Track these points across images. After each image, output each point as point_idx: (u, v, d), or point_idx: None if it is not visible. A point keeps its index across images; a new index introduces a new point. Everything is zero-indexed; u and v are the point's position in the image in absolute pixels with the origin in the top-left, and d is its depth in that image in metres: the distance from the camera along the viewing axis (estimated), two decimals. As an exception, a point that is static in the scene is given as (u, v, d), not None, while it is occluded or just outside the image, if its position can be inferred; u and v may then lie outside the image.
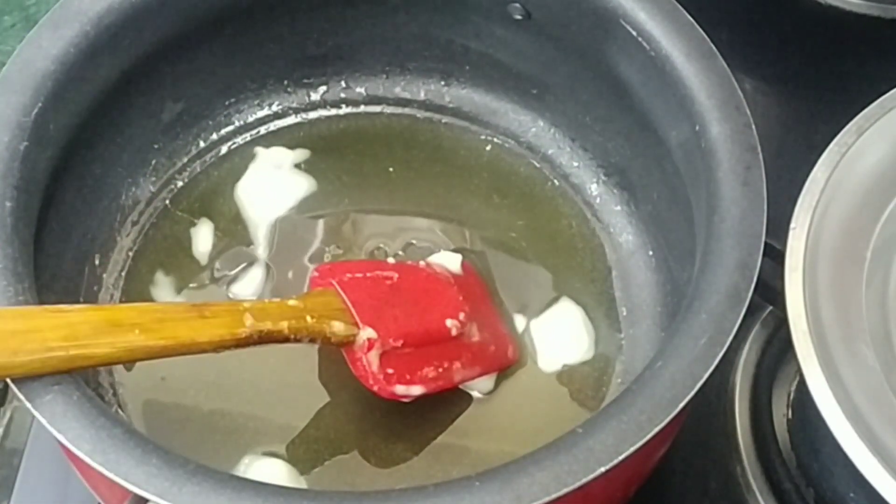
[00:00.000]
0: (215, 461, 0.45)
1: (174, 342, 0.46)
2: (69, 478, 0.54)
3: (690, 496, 0.63)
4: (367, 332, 0.53)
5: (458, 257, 0.62)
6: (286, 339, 0.51)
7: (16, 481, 0.63)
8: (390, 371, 0.54)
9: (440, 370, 0.56)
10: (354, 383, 0.56)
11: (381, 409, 0.59)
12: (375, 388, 0.54)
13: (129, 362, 0.44)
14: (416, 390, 0.55)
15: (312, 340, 0.52)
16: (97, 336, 0.44)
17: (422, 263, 0.61)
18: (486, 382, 0.60)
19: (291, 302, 0.52)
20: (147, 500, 0.42)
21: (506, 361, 0.60)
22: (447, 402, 0.57)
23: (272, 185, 0.66)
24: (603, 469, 0.43)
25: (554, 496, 0.42)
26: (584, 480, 0.42)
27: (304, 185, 0.66)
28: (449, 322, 0.57)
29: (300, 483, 0.56)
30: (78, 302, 0.59)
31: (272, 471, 0.56)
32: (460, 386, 0.59)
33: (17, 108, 0.51)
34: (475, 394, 0.59)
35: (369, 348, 0.53)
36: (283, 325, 0.50)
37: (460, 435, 0.58)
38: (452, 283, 0.60)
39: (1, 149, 0.50)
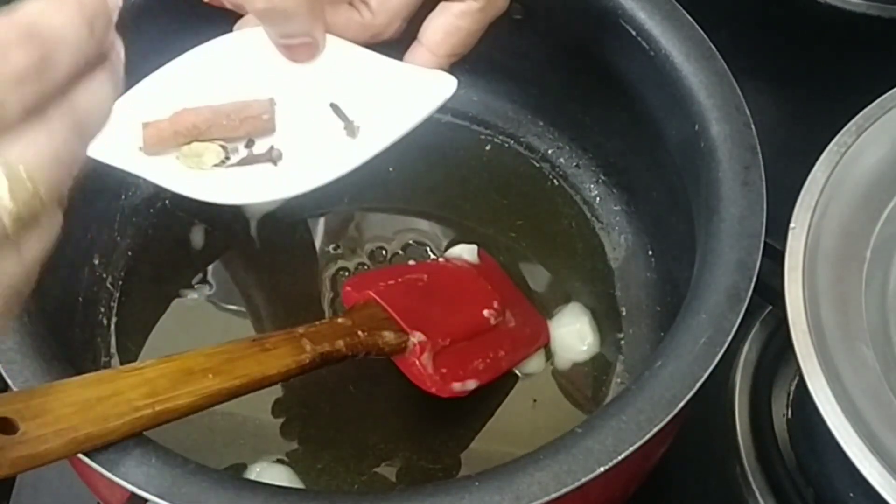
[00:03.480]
0: (216, 464, 0.45)
1: (248, 380, 0.46)
2: (69, 478, 0.54)
3: (690, 496, 0.63)
4: (416, 337, 0.54)
5: (473, 248, 0.62)
6: (344, 357, 0.51)
7: (16, 481, 0.63)
8: (444, 370, 0.54)
9: (488, 360, 0.57)
10: (352, 383, 0.56)
11: (380, 409, 0.59)
12: (434, 390, 0.54)
13: (209, 407, 0.44)
14: (471, 384, 0.55)
15: (367, 354, 0.52)
16: (176, 388, 0.43)
17: (441, 260, 0.62)
18: (537, 362, 0.61)
19: (340, 320, 0.52)
20: (147, 500, 0.42)
21: (543, 339, 0.61)
22: (447, 403, 0.57)
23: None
24: (602, 469, 0.43)
25: (553, 496, 0.42)
26: (584, 480, 0.42)
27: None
28: (486, 312, 0.58)
29: (299, 483, 0.56)
30: (77, 302, 0.59)
31: (273, 474, 0.56)
32: (514, 369, 0.60)
33: (16, 108, 0.51)
34: (526, 372, 0.61)
35: (422, 352, 0.53)
36: (340, 344, 0.50)
37: (460, 435, 0.59)
38: (477, 275, 0.60)
39: (1, 149, 0.50)
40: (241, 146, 0.44)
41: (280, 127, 0.45)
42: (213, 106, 0.44)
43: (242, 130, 0.44)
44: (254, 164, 0.44)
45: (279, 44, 0.45)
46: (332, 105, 0.45)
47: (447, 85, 0.45)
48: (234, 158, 0.44)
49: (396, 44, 0.47)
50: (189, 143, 0.44)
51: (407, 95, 0.45)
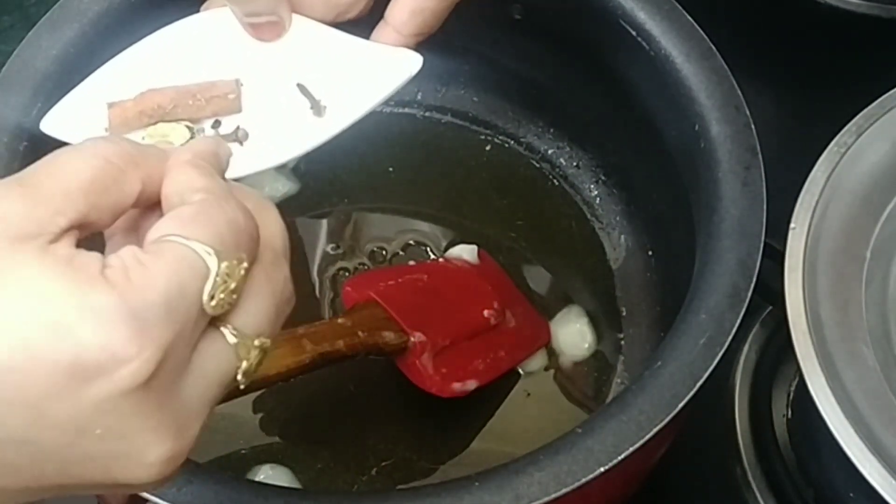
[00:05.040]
0: (216, 464, 0.45)
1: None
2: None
3: (690, 496, 0.63)
4: (416, 337, 0.54)
5: (473, 248, 0.62)
6: (344, 357, 0.51)
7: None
8: (444, 370, 0.55)
9: (488, 360, 0.57)
10: (352, 383, 0.56)
11: (380, 409, 0.59)
12: (434, 390, 0.54)
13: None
14: (472, 384, 0.56)
15: (367, 354, 0.52)
16: None
17: (441, 260, 0.62)
18: (538, 361, 0.61)
19: (341, 320, 0.52)
20: (147, 500, 0.42)
21: (544, 339, 0.61)
22: (447, 403, 0.57)
23: (269, 184, 0.66)
24: (602, 469, 0.43)
25: (553, 496, 0.42)
26: (584, 481, 0.42)
27: (286, 186, 0.66)
28: (486, 312, 0.58)
29: (298, 484, 0.56)
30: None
31: (273, 474, 0.56)
32: (518, 367, 0.60)
33: (16, 108, 0.51)
34: (527, 371, 0.61)
35: (422, 352, 0.54)
36: (340, 344, 0.51)
37: (460, 435, 0.59)
38: (477, 275, 0.60)
39: (1, 149, 0.50)
40: (207, 126, 0.44)
41: (246, 106, 0.45)
42: (178, 86, 0.44)
43: (209, 110, 0.45)
44: None
45: (245, 23, 0.45)
46: (298, 85, 0.45)
47: (413, 62, 0.46)
48: (201, 138, 0.44)
49: (363, 23, 0.47)
50: (155, 123, 0.44)
51: (372, 73, 0.46)
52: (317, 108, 0.45)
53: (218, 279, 0.32)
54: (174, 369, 0.31)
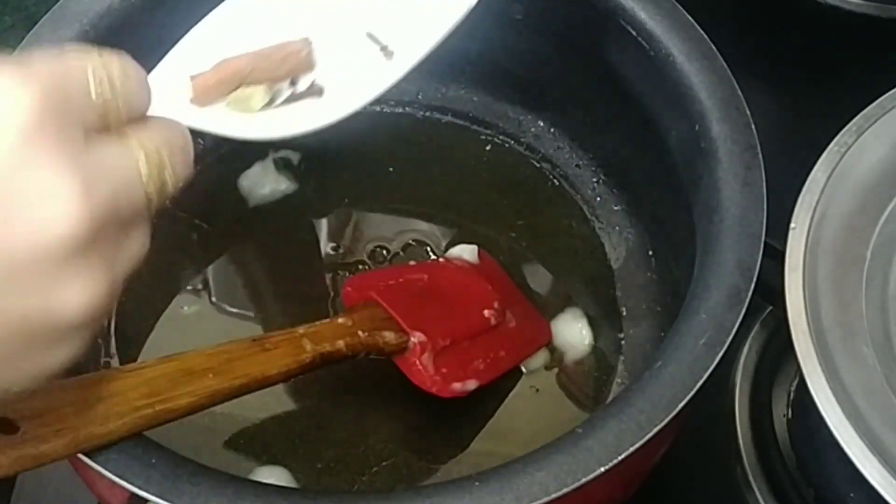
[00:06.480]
0: (216, 464, 0.45)
1: (248, 379, 0.46)
2: (69, 478, 0.54)
3: (690, 496, 0.63)
4: (417, 337, 0.54)
5: (473, 248, 0.62)
6: (344, 357, 0.51)
7: (16, 481, 0.63)
8: (444, 370, 0.54)
9: (489, 360, 0.57)
10: (352, 383, 0.56)
11: (380, 409, 0.59)
12: (434, 390, 0.54)
13: (209, 407, 0.44)
14: (472, 384, 0.55)
15: (368, 354, 0.52)
16: (176, 388, 0.44)
17: (441, 260, 0.62)
18: (538, 360, 0.61)
19: (341, 320, 0.52)
20: (147, 501, 0.42)
21: (544, 338, 0.61)
22: (447, 403, 0.57)
23: (270, 184, 0.66)
24: (602, 469, 0.43)
25: (554, 496, 0.42)
26: (584, 480, 0.42)
27: (286, 186, 0.66)
28: (486, 312, 0.58)
29: (297, 485, 0.56)
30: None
31: (273, 475, 0.56)
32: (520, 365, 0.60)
33: (16, 109, 0.51)
34: (529, 370, 0.61)
35: (422, 352, 0.54)
36: (341, 344, 0.51)
37: (460, 435, 0.58)
38: (477, 275, 0.60)
39: (1, 149, 0.50)
40: (284, 87, 0.46)
41: (318, 62, 0.47)
42: (252, 51, 0.47)
43: (283, 70, 0.47)
44: (299, 100, 0.47)
45: None
46: (368, 35, 0.48)
47: None
48: (280, 99, 0.46)
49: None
50: (235, 89, 0.46)
51: (434, 9, 0.48)
52: (386, 52, 0.47)
53: None
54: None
